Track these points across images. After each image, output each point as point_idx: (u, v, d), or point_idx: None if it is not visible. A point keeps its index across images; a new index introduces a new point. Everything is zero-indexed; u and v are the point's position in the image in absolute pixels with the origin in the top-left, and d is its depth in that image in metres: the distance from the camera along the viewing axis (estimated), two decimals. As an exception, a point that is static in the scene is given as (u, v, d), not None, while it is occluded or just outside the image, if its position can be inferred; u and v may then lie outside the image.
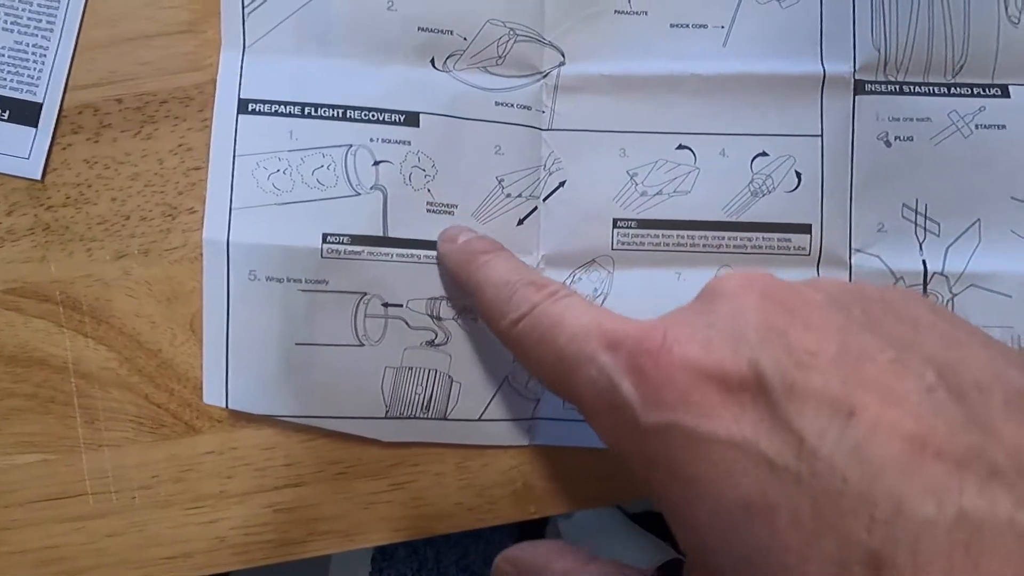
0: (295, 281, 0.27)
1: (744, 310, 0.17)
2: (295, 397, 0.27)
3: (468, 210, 0.28)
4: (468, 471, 0.29)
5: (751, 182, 0.29)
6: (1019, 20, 0.29)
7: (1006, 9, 0.29)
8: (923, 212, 0.29)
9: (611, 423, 0.18)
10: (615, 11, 0.29)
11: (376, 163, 0.27)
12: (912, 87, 0.29)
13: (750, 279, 0.18)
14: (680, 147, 0.29)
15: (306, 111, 0.27)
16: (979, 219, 0.29)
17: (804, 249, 0.29)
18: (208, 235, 0.27)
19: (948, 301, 0.29)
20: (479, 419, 0.28)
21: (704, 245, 0.29)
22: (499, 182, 0.29)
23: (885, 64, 0.29)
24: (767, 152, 0.29)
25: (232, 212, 0.27)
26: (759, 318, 0.17)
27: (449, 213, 0.28)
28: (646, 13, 0.29)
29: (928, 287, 0.29)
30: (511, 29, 0.29)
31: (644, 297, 0.29)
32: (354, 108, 0.28)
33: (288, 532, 0.28)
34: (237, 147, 0.27)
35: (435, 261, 0.28)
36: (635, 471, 0.18)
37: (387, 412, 0.28)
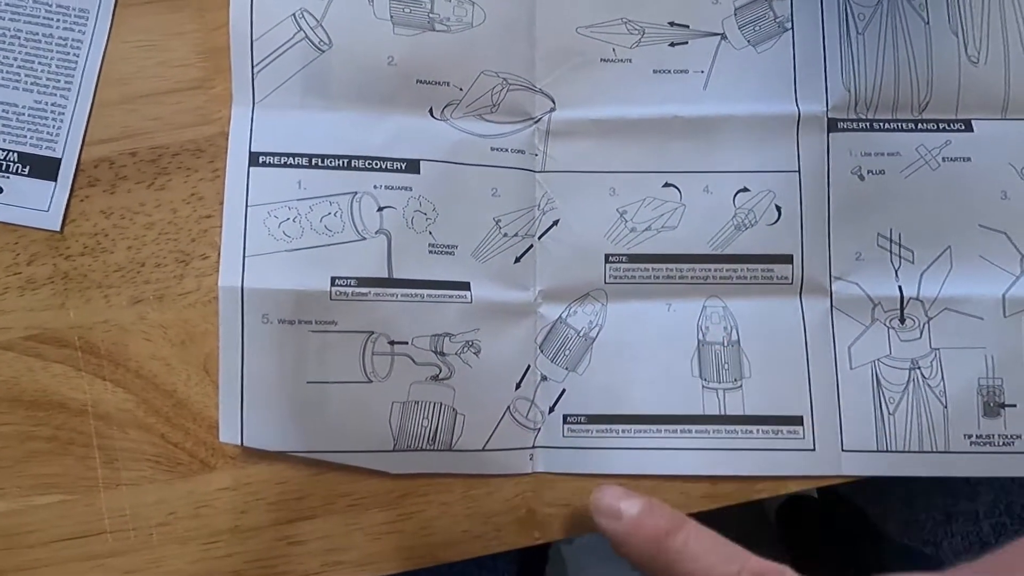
0: (306, 323, 0.28)
1: None
2: (307, 433, 0.28)
3: (468, 250, 0.30)
4: (474, 500, 0.30)
5: (734, 216, 0.31)
6: (978, 60, 0.31)
7: (966, 50, 0.31)
8: (897, 240, 0.31)
9: None
10: (601, 59, 0.31)
11: (380, 209, 0.29)
12: (882, 124, 0.31)
13: None
14: (666, 185, 0.31)
15: (313, 162, 0.29)
16: (950, 246, 0.30)
17: (787, 278, 0.30)
18: (223, 282, 0.28)
19: (924, 324, 0.30)
20: (483, 449, 0.29)
21: (692, 277, 0.30)
22: (496, 223, 0.30)
23: (856, 103, 0.31)
24: (748, 188, 0.31)
25: (246, 259, 0.28)
26: None
27: (450, 253, 0.30)
28: (630, 61, 0.31)
29: (905, 311, 0.30)
30: (504, 79, 0.31)
31: (638, 328, 0.30)
32: (358, 157, 0.29)
33: (302, 564, 0.29)
34: (249, 198, 0.29)
35: (438, 300, 0.29)
36: None
37: (395, 445, 0.29)
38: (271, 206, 0.29)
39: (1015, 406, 0.29)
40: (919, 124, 0.31)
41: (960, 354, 0.30)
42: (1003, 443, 0.29)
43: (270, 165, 0.29)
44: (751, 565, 0.21)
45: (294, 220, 0.28)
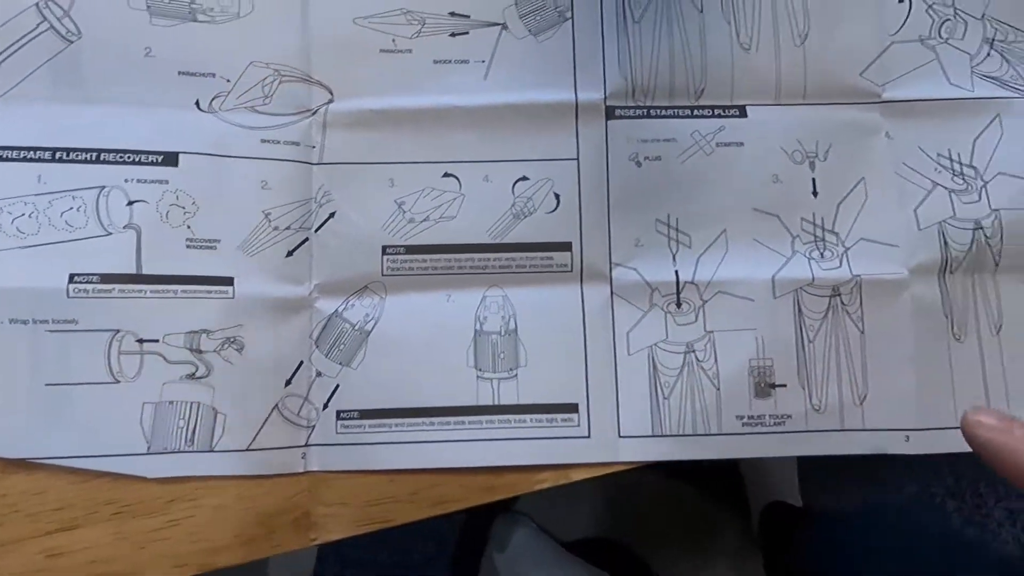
0: (42, 322, 0.27)
1: None
2: (50, 438, 0.27)
3: (233, 244, 0.29)
4: (248, 501, 0.29)
5: (513, 205, 0.30)
6: (750, 47, 0.31)
7: (738, 37, 0.31)
8: (675, 226, 0.31)
9: None
10: (381, 50, 0.31)
11: (130, 203, 0.28)
12: (659, 110, 0.31)
13: None
14: (446, 175, 0.30)
15: (57, 156, 0.28)
16: (725, 229, 0.31)
17: (566, 266, 0.30)
18: (-57, 282, 0.27)
19: (699, 308, 0.30)
20: (247, 448, 0.28)
21: (471, 267, 0.30)
22: (266, 216, 0.29)
23: (633, 90, 0.31)
24: (527, 176, 0.31)
25: (-29, 257, 0.27)
26: None
27: (212, 248, 0.29)
28: (411, 51, 0.31)
29: (681, 296, 0.30)
30: (276, 70, 0.30)
31: (415, 320, 0.30)
32: (109, 151, 0.28)
33: (64, 578, 0.28)
34: (-21, 194, 0.27)
35: (194, 296, 0.28)
36: None
37: (149, 447, 0.28)
38: (4, 201, 0.27)
39: (785, 386, 0.30)
40: (695, 110, 0.31)
41: (732, 336, 0.30)
42: (774, 423, 0.30)
43: (7, 160, 0.28)
44: None
45: (30, 216, 0.27)
